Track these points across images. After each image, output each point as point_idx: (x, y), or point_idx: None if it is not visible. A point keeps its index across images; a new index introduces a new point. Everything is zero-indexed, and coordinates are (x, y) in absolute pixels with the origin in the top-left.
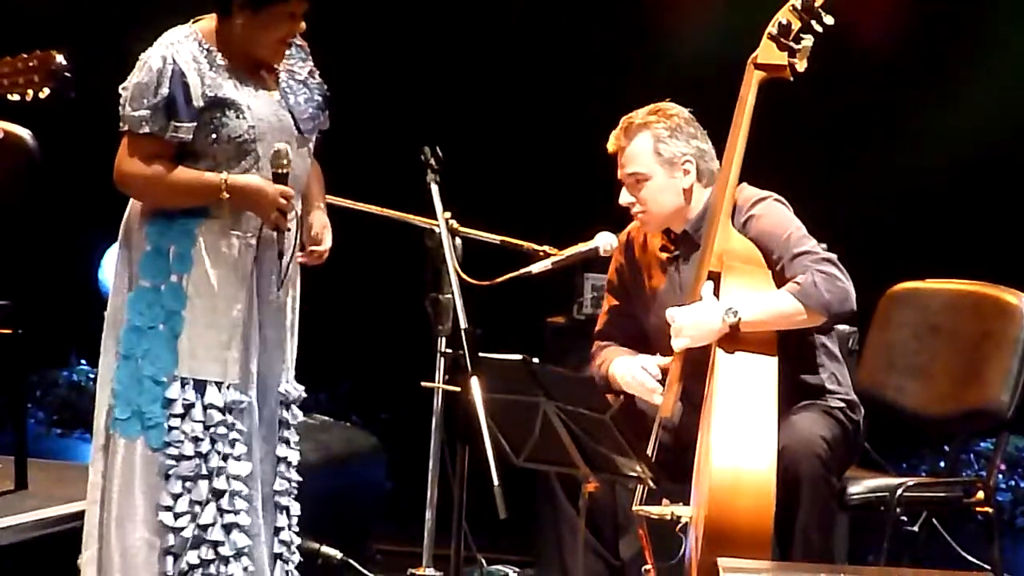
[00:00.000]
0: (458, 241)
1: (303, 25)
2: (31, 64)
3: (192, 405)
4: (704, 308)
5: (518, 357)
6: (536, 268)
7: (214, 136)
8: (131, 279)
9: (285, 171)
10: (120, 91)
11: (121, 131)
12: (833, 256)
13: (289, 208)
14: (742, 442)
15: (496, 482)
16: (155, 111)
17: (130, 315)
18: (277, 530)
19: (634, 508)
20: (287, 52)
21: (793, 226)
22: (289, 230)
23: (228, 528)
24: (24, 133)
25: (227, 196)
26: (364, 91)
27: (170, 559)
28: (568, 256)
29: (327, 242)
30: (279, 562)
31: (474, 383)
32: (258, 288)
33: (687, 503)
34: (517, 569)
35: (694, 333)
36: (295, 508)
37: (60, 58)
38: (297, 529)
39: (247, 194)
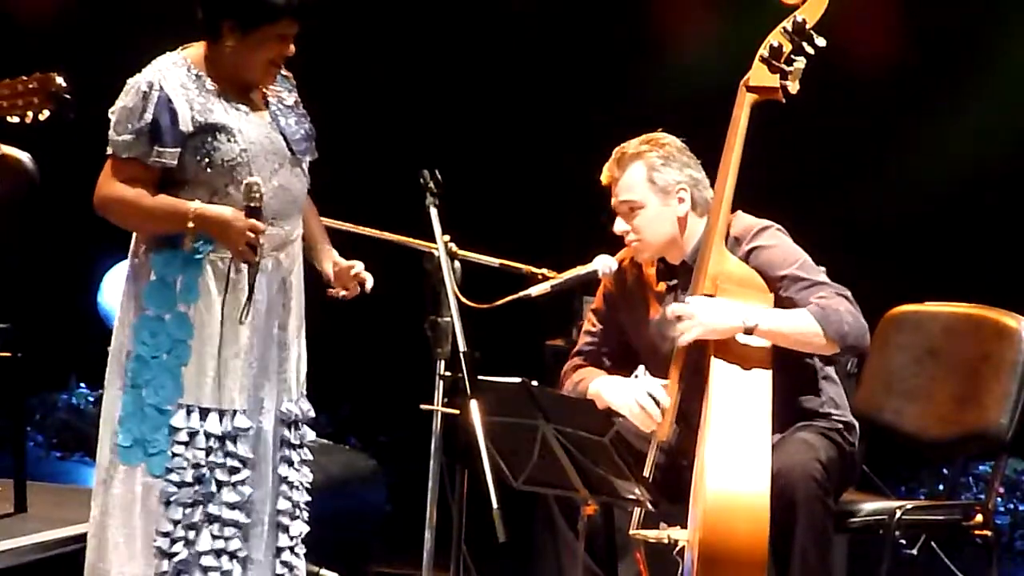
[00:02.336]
0: (457, 264)
1: (292, 48)
2: (31, 86)
3: (196, 432)
4: (724, 303)
5: (517, 380)
6: (535, 291)
7: (207, 161)
8: (135, 309)
9: (257, 204)
10: (109, 115)
11: (106, 155)
12: (849, 293)
13: (257, 242)
14: (736, 464)
15: (495, 505)
16: (139, 136)
17: (135, 344)
18: (278, 551)
19: (631, 532)
20: (273, 83)
21: (804, 256)
22: (256, 264)
23: (219, 554)
24: (23, 156)
25: (191, 226)
26: (363, 114)
27: None
28: (567, 279)
29: (358, 264)
30: None
31: (473, 406)
32: (269, 313)
33: (685, 525)
34: None
35: (708, 322)
36: (297, 529)
37: (60, 80)
38: (302, 551)
39: (215, 224)
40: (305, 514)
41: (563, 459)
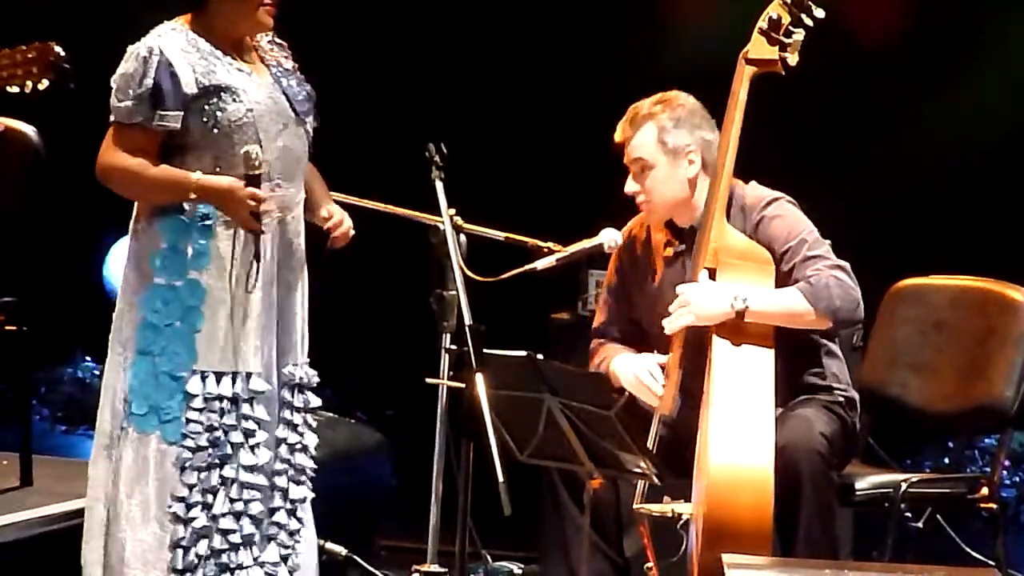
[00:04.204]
0: (463, 237)
1: None
2: (30, 56)
3: (211, 397)
4: (715, 288)
5: (522, 353)
6: (540, 264)
7: (213, 122)
8: (143, 277)
9: (257, 172)
10: (111, 84)
11: (109, 122)
12: (846, 264)
13: (259, 210)
14: (739, 437)
15: (501, 478)
16: (140, 101)
17: (145, 312)
18: (272, 511)
19: (635, 506)
20: (271, 50)
21: (807, 229)
22: (264, 232)
23: (238, 516)
24: (28, 130)
25: (194, 197)
26: (369, 87)
27: (180, 552)
28: (573, 252)
29: (338, 214)
30: (271, 544)
31: (479, 379)
32: (275, 276)
33: (689, 499)
34: (522, 565)
35: (699, 310)
36: (299, 492)
37: (58, 49)
38: (301, 515)
39: (217, 194)
40: (306, 478)
41: (568, 433)
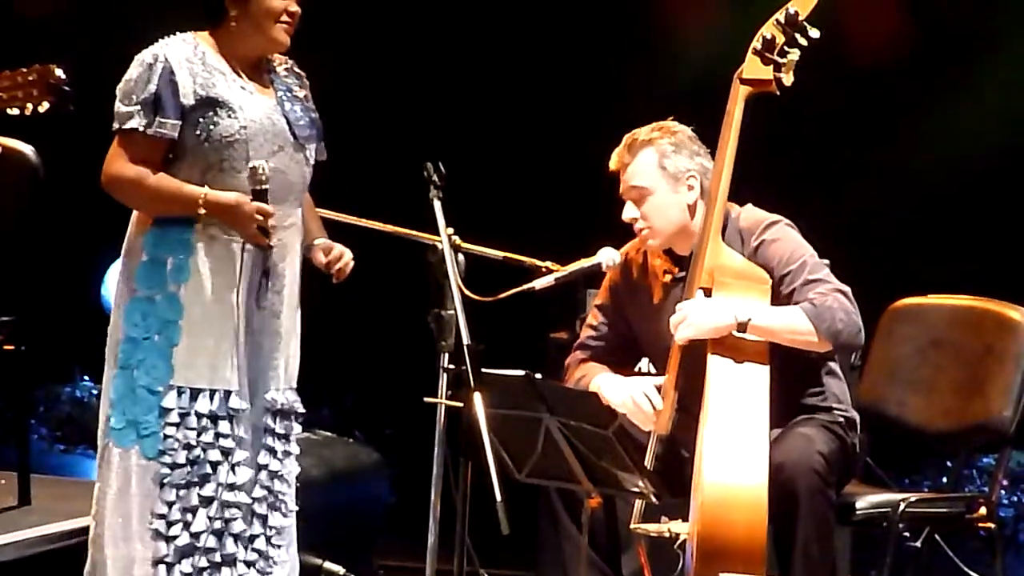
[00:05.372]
0: (461, 257)
1: (296, 8)
2: (30, 78)
3: (187, 413)
4: (716, 302)
5: (521, 373)
6: (539, 284)
7: (205, 135)
8: (128, 291)
9: (263, 187)
10: (116, 92)
11: (113, 131)
12: (848, 289)
13: (267, 225)
14: (733, 457)
15: (499, 497)
16: (144, 106)
17: (126, 326)
18: (252, 538)
19: (632, 526)
20: (286, 77)
21: (808, 252)
22: (271, 247)
23: (219, 534)
24: (27, 149)
25: (203, 212)
26: (367, 107)
27: (163, 568)
28: (571, 272)
29: (336, 249)
30: (251, 569)
31: (477, 398)
32: (253, 294)
33: (686, 518)
34: None
35: (700, 321)
36: (276, 520)
37: (59, 72)
38: (279, 543)
39: (225, 209)
40: (285, 507)
41: (567, 452)
